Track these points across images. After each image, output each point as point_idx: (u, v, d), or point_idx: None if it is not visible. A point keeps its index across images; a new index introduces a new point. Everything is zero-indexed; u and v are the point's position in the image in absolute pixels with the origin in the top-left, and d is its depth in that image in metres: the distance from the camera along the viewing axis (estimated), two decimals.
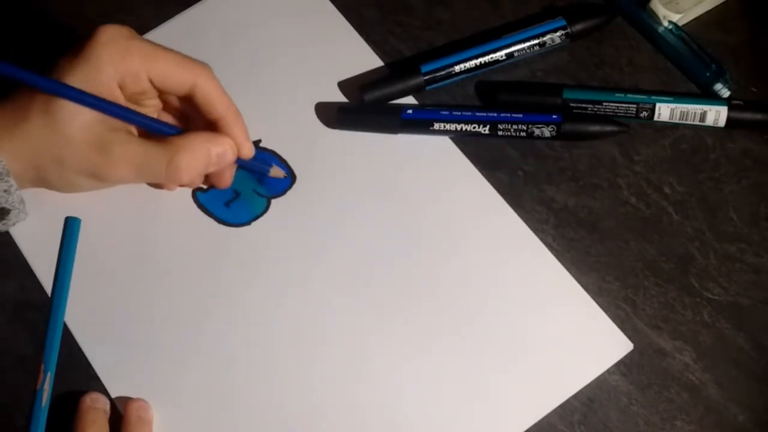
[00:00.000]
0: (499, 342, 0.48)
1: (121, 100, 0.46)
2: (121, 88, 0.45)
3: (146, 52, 0.45)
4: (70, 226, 0.50)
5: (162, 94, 0.48)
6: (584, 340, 0.48)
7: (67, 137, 0.45)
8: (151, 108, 0.49)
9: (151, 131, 0.47)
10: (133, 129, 0.48)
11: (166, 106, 0.50)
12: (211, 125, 0.48)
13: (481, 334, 0.48)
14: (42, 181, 0.47)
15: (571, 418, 0.46)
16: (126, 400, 0.46)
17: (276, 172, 0.51)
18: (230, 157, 0.47)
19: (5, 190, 0.46)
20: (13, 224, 0.49)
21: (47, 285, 0.49)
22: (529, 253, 0.50)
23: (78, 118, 0.44)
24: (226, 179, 0.50)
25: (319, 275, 0.50)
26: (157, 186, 0.51)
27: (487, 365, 0.47)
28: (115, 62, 0.44)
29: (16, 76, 0.44)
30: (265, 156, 0.52)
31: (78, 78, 0.44)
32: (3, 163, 0.45)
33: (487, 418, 0.46)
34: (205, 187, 0.52)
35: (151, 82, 0.46)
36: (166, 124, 0.48)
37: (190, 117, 0.49)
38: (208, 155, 0.46)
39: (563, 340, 0.48)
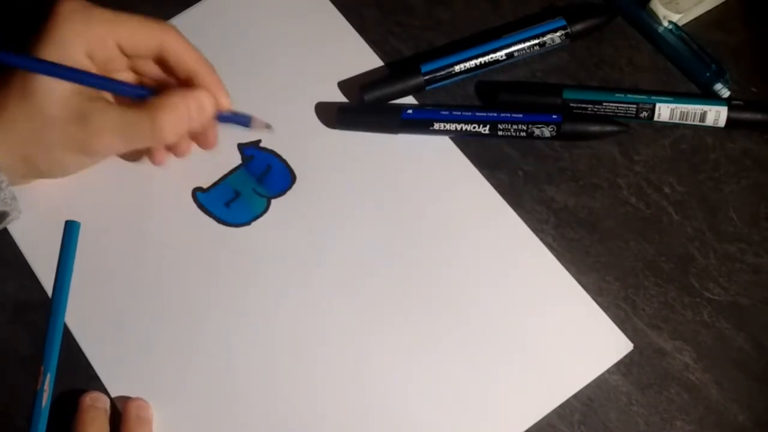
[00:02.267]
0: (499, 342, 0.48)
1: (93, 70, 0.46)
2: (90, 58, 0.45)
3: (108, 18, 0.46)
4: (70, 230, 0.50)
5: (131, 59, 0.48)
6: (584, 340, 0.48)
7: (47, 116, 0.45)
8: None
9: (128, 96, 0.47)
10: (110, 98, 0.48)
11: (140, 79, 0.49)
12: (186, 86, 0.47)
13: (481, 334, 0.48)
14: (32, 170, 0.47)
15: (571, 418, 0.46)
16: (125, 400, 0.46)
17: (257, 123, 0.49)
18: (209, 107, 0.47)
19: None
20: (8, 223, 0.49)
21: (47, 285, 0.49)
22: (529, 253, 0.50)
23: (54, 93, 0.44)
24: (211, 139, 0.50)
25: (319, 275, 0.50)
26: (144, 154, 0.50)
27: (487, 365, 0.47)
28: (80, 32, 0.45)
29: None
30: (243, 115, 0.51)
31: (47, 54, 0.44)
32: None
33: (487, 418, 0.46)
34: (204, 187, 0.52)
35: (119, 48, 0.46)
36: (141, 87, 0.48)
37: (165, 87, 0.49)
38: (188, 108, 0.46)
39: (563, 340, 0.48)
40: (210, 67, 0.48)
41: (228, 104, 0.48)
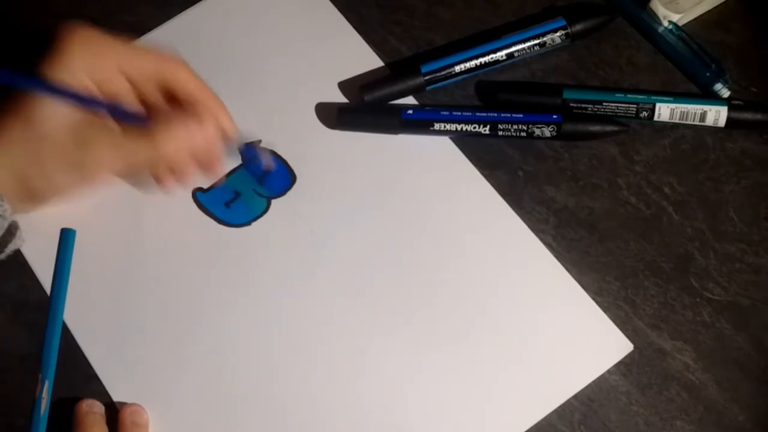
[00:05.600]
0: (499, 342, 0.48)
1: (98, 97, 0.46)
2: (97, 85, 0.45)
3: (116, 48, 0.46)
4: (65, 239, 0.50)
5: (137, 88, 0.47)
6: (584, 341, 0.48)
7: (47, 138, 0.44)
8: None
9: (132, 122, 0.47)
10: (113, 125, 0.47)
11: (144, 109, 0.49)
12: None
13: (482, 334, 0.48)
14: (27, 192, 0.47)
15: (571, 418, 0.46)
16: (120, 405, 0.46)
17: (266, 161, 0.50)
18: (212, 132, 0.47)
19: (0, 215, 0.46)
20: (12, 251, 0.49)
21: (47, 285, 0.49)
22: (529, 253, 0.50)
23: (56, 116, 0.44)
24: (215, 165, 0.49)
25: (319, 276, 0.50)
26: (153, 181, 0.50)
27: (488, 365, 0.47)
28: (89, 60, 0.45)
29: None
30: (252, 151, 0.52)
31: (53, 77, 0.44)
32: None
33: (488, 419, 0.46)
34: (205, 187, 0.52)
35: (126, 77, 0.46)
36: (145, 114, 0.47)
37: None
38: (190, 132, 0.46)
39: (563, 341, 0.48)
40: (215, 96, 0.48)
41: (230, 125, 0.48)
